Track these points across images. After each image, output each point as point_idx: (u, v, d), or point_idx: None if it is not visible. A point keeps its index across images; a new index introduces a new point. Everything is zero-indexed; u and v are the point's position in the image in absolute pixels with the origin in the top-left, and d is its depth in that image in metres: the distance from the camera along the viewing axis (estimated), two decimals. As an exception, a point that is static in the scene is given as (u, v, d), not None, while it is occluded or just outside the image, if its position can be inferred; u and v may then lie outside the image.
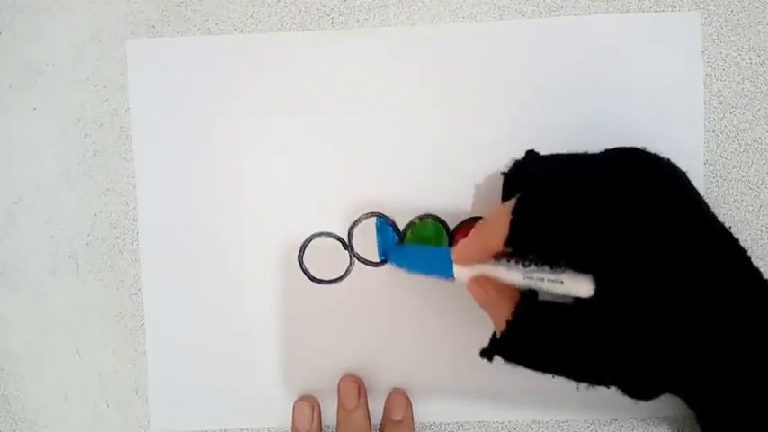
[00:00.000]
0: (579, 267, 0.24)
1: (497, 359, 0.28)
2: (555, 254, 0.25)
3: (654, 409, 0.35)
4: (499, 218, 0.26)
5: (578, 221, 0.24)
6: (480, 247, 0.28)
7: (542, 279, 0.26)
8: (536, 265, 0.26)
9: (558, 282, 0.25)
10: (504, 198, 0.32)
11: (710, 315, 0.23)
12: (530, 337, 0.26)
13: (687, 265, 0.23)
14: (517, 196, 0.26)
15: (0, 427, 0.37)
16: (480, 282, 0.28)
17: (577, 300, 0.25)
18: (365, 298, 0.36)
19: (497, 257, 0.28)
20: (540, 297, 0.27)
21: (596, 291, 0.24)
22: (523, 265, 0.26)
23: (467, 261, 0.29)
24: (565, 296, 0.25)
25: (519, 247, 0.26)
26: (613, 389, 0.26)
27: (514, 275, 0.27)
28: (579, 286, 0.24)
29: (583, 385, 0.26)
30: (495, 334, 0.28)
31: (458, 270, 0.29)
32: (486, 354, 0.28)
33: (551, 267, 0.25)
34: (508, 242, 0.26)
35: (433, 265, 0.31)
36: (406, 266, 0.34)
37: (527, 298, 0.27)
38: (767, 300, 0.24)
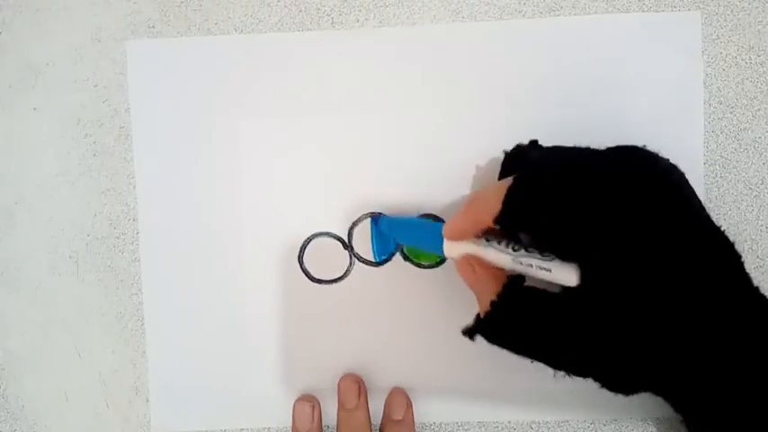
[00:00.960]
0: (565, 256, 0.25)
1: (479, 340, 0.28)
2: (543, 238, 0.25)
3: (654, 410, 0.35)
4: (493, 193, 0.26)
5: (571, 209, 0.24)
6: (470, 220, 0.28)
7: (531, 265, 0.26)
8: (526, 250, 0.26)
9: (545, 269, 0.25)
10: (501, 177, 0.32)
11: (694, 315, 0.23)
12: (513, 320, 0.26)
13: (674, 263, 0.23)
14: (514, 175, 0.26)
15: (0, 427, 0.37)
16: (469, 261, 0.28)
17: (564, 289, 0.25)
18: (365, 298, 0.36)
19: (488, 239, 0.28)
20: (528, 283, 0.27)
21: (581, 281, 0.24)
22: (513, 249, 0.27)
23: (456, 235, 0.29)
24: (552, 284, 0.25)
25: (508, 226, 0.26)
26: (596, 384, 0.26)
27: (503, 258, 0.27)
28: (565, 275, 0.24)
29: (560, 374, 0.26)
30: (479, 315, 0.28)
31: (447, 246, 0.29)
32: (469, 333, 0.28)
33: (541, 254, 0.26)
34: (499, 219, 0.26)
35: (424, 238, 0.31)
36: (398, 238, 0.34)
37: (514, 281, 0.27)
38: (755, 303, 0.24)
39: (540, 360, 0.26)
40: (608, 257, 0.23)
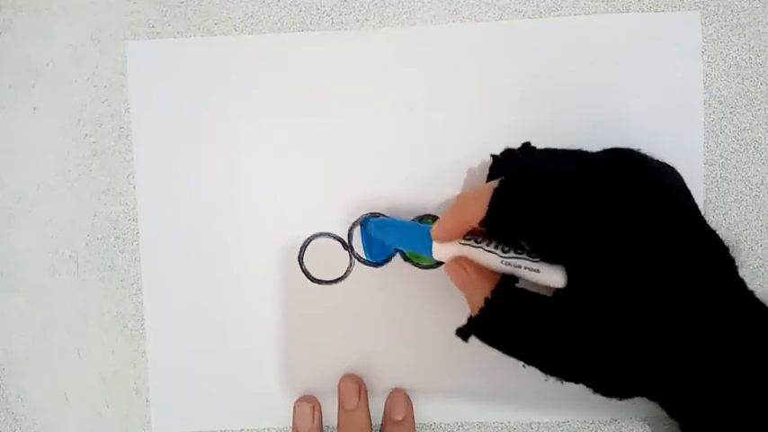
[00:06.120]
0: (551, 258, 0.25)
1: (472, 340, 0.28)
2: (528, 241, 0.25)
3: (654, 409, 0.35)
4: (479, 195, 0.26)
5: (555, 212, 0.24)
6: (457, 221, 0.28)
7: (519, 266, 0.26)
8: (514, 251, 0.26)
9: (534, 270, 0.25)
10: (489, 180, 0.32)
11: (680, 317, 0.23)
12: (506, 318, 0.26)
13: (660, 265, 0.23)
14: (500, 178, 0.26)
15: (0, 427, 0.37)
16: (460, 262, 0.28)
17: (555, 291, 0.25)
18: (365, 298, 0.36)
19: (477, 240, 0.28)
20: (520, 285, 0.27)
21: (568, 283, 0.24)
22: (503, 250, 0.27)
23: (444, 236, 0.29)
24: (542, 285, 0.25)
25: (494, 228, 0.26)
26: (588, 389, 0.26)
27: (492, 259, 0.27)
28: (553, 276, 0.24)
29: (552, 379, 0.26)
30: (471, 316, 0.28)
31: (436, 247, 0.29)
32: (462, 333, 0.28)
33: (529, 255, 0.26)
34: (484, 222, 0.26)
35: (412, 240, 0.31)
36: (387, 241, 0.34)
37: (506, 280, 0.27)
38: (746, 305, 0.24)
39: (531, 363, 0.26)
40: (592, 259, 0.23)
